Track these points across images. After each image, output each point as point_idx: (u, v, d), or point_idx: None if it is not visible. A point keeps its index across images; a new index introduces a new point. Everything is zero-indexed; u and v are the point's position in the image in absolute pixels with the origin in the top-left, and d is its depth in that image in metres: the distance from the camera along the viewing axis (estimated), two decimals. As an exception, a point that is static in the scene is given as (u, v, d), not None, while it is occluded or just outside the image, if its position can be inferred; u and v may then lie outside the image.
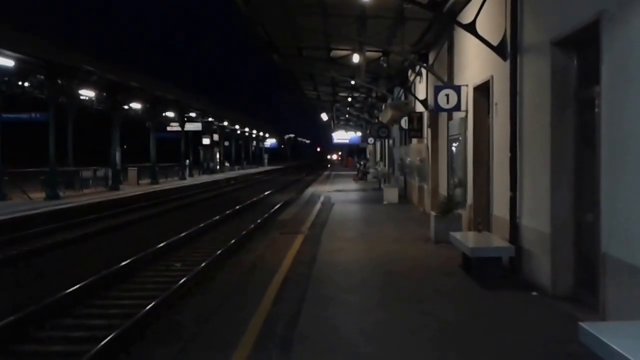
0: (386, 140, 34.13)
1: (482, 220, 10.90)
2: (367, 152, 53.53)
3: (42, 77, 25.20)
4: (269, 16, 14.71)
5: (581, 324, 3.57)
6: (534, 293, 7.93)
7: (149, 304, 8.33)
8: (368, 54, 18.39)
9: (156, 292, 9.54)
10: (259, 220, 19.08)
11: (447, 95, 12.87)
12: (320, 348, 5.97)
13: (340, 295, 8.16)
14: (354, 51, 17.91)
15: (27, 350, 7.03)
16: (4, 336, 7.14)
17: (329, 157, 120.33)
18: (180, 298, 9.06)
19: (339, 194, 28.20)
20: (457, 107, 12.92)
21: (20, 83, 25.38)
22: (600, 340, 3.30)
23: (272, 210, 22.84)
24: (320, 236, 13.80)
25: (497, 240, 9.57)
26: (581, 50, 7.51)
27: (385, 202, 22.71)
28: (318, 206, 21.93)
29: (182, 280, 9.99)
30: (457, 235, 10.17)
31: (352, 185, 36.61)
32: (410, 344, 6.11)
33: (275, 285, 8.74)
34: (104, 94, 31.08)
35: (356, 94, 30.33)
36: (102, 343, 6.65)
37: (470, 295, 8.19)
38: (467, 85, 12.72)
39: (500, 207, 10.18)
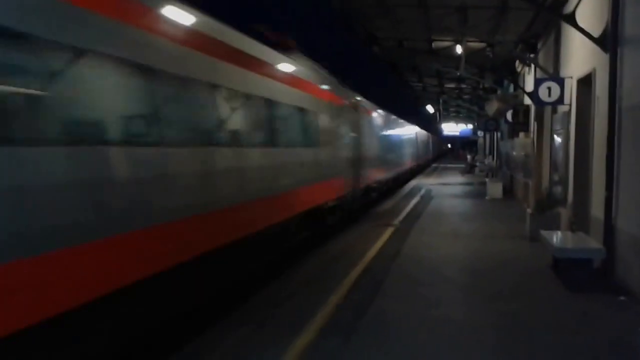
0: (495, 134, 33.18)
1: (578, 219, 10.39)
2: (477, 145, 52.31)
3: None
4: (367, 8, 14.66)
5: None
6: (622, 298, 7.50)
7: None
8: (472, 44, 17.90)
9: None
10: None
11: (549, 88, 12.32)
12: (381, 338, 6.08)
13: (416, 290, 8.10)
14: (456, 42, 17.51)
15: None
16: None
17: None
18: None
19: (442, 187, 27.77)
20: (560, 101, 12.34)
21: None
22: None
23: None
24: (411, 229, 13.69)
25: (590, 241, 9.10)
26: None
27: (487, 197, 22.07)
28: (416, 199, 21.71)
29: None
30: (547, 234, 9.75)
31: (458, 178, 35.88)
32: (474, 340, 6.04)
33: (354, 275, 8.83)
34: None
35: (463, 86, 29.66)
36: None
37: (553, 296, 7.87)
38: (571, 78, 12.12)
39: (598, 207, 9.67)
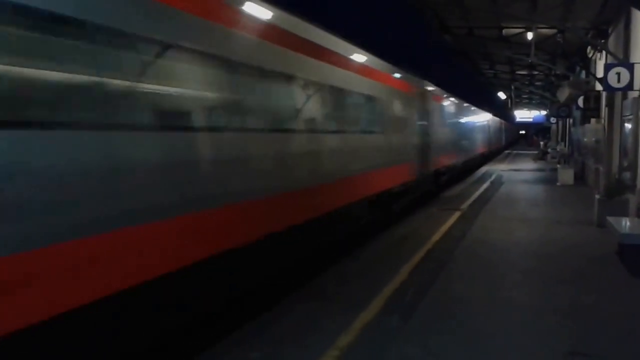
0: (567, 120, 32.62)
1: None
2: (550, 131, 51.25)
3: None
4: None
5: None
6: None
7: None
8: (543, 31, 17.85)
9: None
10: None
11: (619, 74, 12.32)
12: (440, 316, 6.42)
13: (480, 273, 8.41)
14: (527, 29, 17.50)
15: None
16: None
17: None
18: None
19: (513, 173, 27.63)
20: (629, 86, 12.33)
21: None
22: None
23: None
24: (479, 214, 13.96)
25: (656, 227, 9.19)
26: None
27: (558, 184, 21.91)
28: (486, 184, 21.80)
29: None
30: (614, 220, 9.87)
31: (530, 165, 35.43)
32: (536, 323, 6.21)
33: (419, 256, 9.29)
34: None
35: (535, 72, 29.30)
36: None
37: (617, 282, 7.95)
38: (640, 64, 12.10)
39: (665, 193, 9.73)
